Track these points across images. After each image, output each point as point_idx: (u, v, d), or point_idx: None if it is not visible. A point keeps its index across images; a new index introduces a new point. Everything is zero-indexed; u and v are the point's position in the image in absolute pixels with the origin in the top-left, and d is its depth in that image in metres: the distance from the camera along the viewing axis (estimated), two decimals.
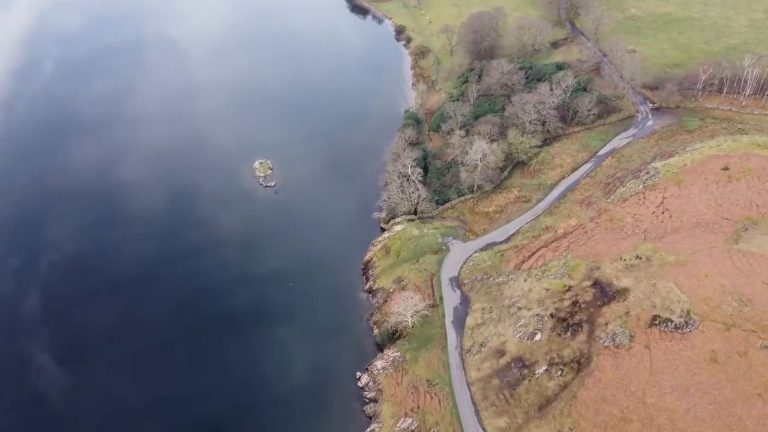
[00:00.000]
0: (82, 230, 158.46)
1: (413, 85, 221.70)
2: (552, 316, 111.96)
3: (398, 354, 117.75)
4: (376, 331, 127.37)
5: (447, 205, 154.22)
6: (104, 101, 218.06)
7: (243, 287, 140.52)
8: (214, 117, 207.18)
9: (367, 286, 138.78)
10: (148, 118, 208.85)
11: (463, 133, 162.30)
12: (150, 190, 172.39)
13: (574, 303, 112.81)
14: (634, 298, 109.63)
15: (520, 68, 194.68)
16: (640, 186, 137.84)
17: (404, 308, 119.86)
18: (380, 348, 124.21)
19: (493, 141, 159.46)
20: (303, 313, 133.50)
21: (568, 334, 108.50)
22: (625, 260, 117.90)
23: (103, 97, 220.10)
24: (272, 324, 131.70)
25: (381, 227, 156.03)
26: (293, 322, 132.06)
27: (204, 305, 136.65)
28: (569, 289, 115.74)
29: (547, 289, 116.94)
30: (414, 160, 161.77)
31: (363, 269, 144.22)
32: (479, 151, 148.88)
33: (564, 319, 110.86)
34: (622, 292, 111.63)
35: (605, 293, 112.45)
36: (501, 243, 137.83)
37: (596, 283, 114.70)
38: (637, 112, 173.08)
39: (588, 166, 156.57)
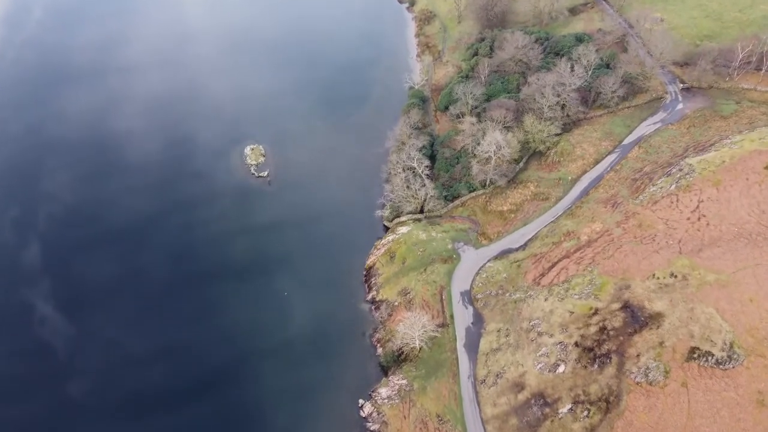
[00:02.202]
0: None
1: (418, 56, 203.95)
2: (577, 344, 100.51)
3: (405, 382, 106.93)
4: (380, 350, 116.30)
5: (457, 202, 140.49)
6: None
7: (232, 294, 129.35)
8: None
9: (370, 296, 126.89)
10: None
11: (474, 119, 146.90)
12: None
13: (602, 329, 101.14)
14: (669, 326, 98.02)
15: (536, 40, 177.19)
16: (673, 186, 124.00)
17: (411, 328, 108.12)
18: (385, 370, 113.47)
19: (507, 129, 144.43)
20: (300, 325, 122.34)
21: (595, 366, 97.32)
22: (658, 278, 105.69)
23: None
24: (267, 339, 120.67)
25: (384, 225, 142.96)
26: (290, 335, 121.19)
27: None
28: (596, 312, 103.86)
29: (571, 312, 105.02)
30: (420, 149, 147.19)
31: (365, 276, 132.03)
32: (493, 143, 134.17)
33: (590, 349, 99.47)
34: (656, 318, 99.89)
35: (636, 318, 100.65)
36: (517, 250, 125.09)
37: (626, 306, 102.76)
38: (666, 92, 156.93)
39: (612, 157, 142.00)
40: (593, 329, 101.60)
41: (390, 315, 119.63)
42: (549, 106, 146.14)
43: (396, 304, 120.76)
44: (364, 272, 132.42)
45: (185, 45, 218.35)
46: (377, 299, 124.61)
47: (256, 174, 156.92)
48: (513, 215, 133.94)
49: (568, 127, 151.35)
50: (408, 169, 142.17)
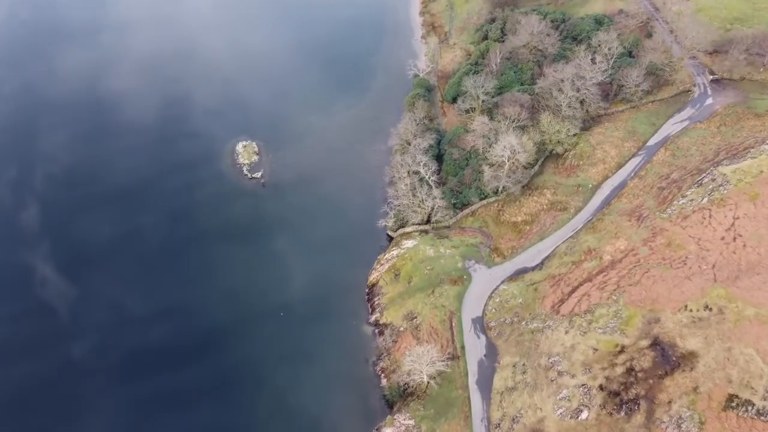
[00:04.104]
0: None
1: (423, 37, 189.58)
2: (601, 388, 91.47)
3: (411, 422, 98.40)
4: (384, 381, 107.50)
5: (467, 211, 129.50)
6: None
7: (218, 314, 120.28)
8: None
9: (373, 318, 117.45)
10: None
11: (485, 119, 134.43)
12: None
13: (629, 371, 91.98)
14: (704, 368, 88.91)
15: (551, 21, 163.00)
16: (705, 199, 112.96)
17: (418, 362, 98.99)
18: (390, 404, 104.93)
19: (522, 128, 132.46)
20: (299, 349, 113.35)
21: (622, 413, 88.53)
22: (691, 311, 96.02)
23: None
24: (262, 363, 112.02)
25: (388, 234, 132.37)
26: (288, 360, 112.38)
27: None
28: (622, 350, 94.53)
29: (595, 349, 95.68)
30: (426, 150, 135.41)
31: (367, 293, 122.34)
32: (507, 148, 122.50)
33: (617, 393, 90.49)
34: (689, 358, 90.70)
35: (667, 358, 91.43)
36: (533, 269, 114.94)
37: (656, 344, 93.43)
38: (694, 85, 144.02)
39: (636, 160, 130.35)
40: (619, 370, 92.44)
41: (395, 342, 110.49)
42: (567, 103, 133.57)
43: (401, 329, 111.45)
44: (367, 290, 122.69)
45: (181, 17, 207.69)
46: (381, 322, 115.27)
47: (249, 175, 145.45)
48: (528, 227, 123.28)
49: (587, 124, 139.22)
50: (413, 173, 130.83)
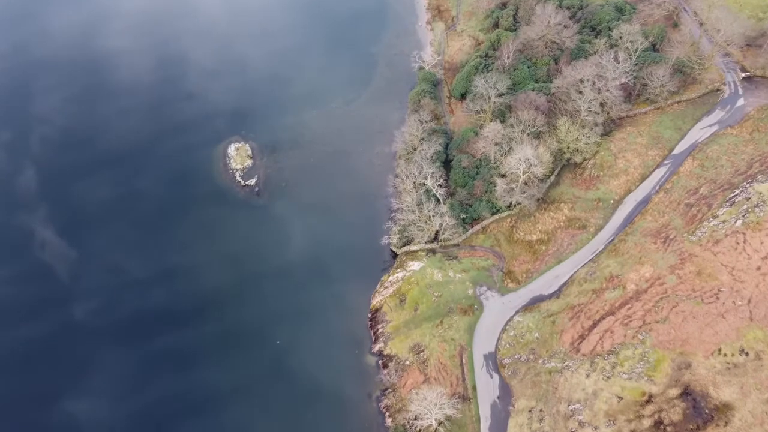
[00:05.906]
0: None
1: (428, 22, 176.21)
2: None
3: None
4: (389, 421, 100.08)
5: (477, 227, 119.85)
6: None
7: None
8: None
9: (377, 347, 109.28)
10: None
11: (498, 126, 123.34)
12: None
13: (657, 424, 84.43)
14: (740, 422, 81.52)
15: (568, 8, 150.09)
16: (738, 221, 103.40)
17: (425, 407, 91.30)
18: None
19: (537, 135, 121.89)
20: (296, 377, 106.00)
21: None
22: (725, 355, 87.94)
23: None
24: (253, 398, 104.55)
25: (392, 250, 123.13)
26: (284, 387, 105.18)
27: None
28: (650, 399, 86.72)
29: (620, 398, 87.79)
30: (433, 157, 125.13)
31: (370, 319, 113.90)
32: (522, 161, 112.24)
33: None
34: (723, 411, 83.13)
35: (699, 411, 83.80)
36: (550, 297, 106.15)
37: (687, 393, 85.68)
38: (723, 83, 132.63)
39: (661, 171, 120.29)
40: (647, 423, 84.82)
41: (401, 377, 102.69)
42: (587, 107, 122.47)
43: (407, 363, 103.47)
44: (369, 315, 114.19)
45: None
46: (385, 353, 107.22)
47: (242, 182, 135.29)
48: (544, 247, 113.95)
49: (607, 128, 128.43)
50: (420, 185, 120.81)
